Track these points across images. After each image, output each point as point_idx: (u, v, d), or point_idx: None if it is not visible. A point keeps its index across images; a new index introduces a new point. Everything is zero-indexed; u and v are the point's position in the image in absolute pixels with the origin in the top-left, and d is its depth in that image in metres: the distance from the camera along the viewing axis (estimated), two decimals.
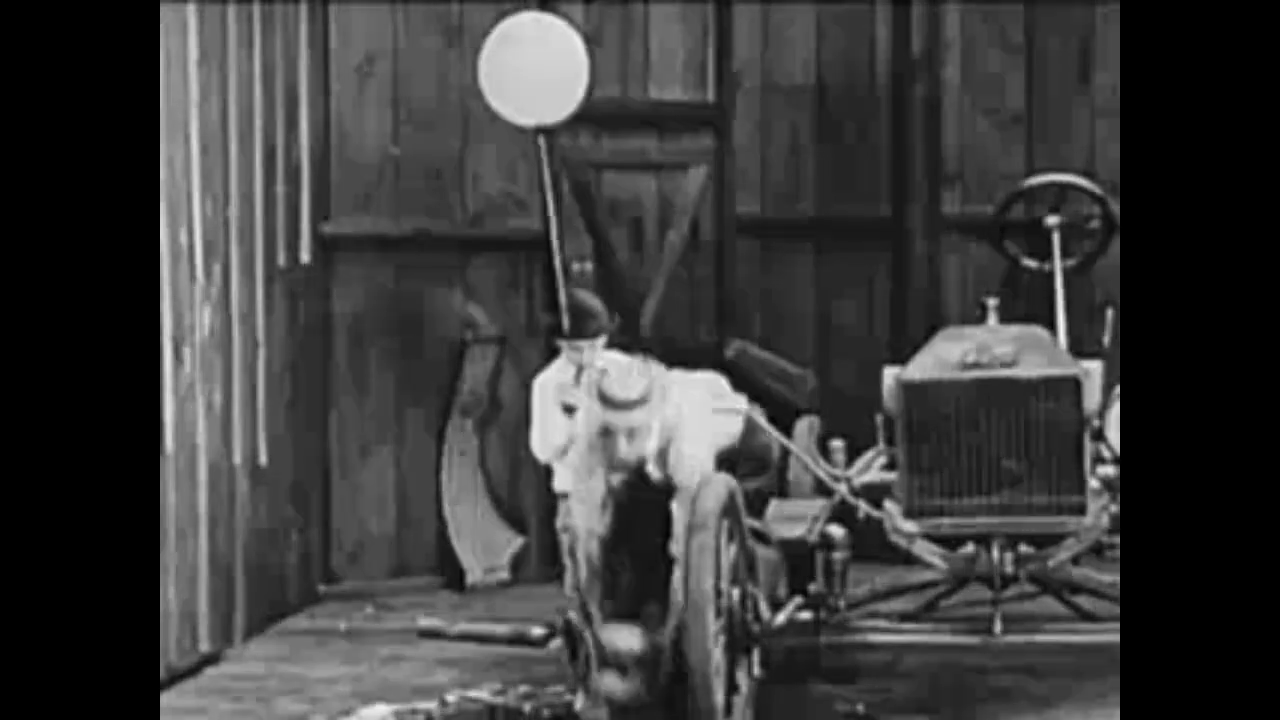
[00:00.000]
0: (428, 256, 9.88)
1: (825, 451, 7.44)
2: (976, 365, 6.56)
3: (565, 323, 7.25)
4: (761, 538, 6.80)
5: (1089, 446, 6.59)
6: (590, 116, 10.23)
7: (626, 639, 6.53)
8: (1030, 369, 6.54)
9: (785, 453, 7.37)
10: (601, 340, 7.32)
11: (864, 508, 6.78)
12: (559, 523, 7.38)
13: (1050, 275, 8.11)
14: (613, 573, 6.53)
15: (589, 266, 10.25)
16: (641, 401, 6.42)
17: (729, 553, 6.30)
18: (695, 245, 10.56)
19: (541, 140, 7.13)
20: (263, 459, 8.66)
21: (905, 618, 7.39)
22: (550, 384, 7.31)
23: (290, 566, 9.20)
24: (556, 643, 8.28)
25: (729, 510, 6.31)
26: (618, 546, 6.49)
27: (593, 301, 7.52)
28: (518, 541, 10.02)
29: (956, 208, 10.60)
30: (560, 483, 7.36)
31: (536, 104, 7.10)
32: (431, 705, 7.20)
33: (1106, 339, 7.65)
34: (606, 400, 6.42)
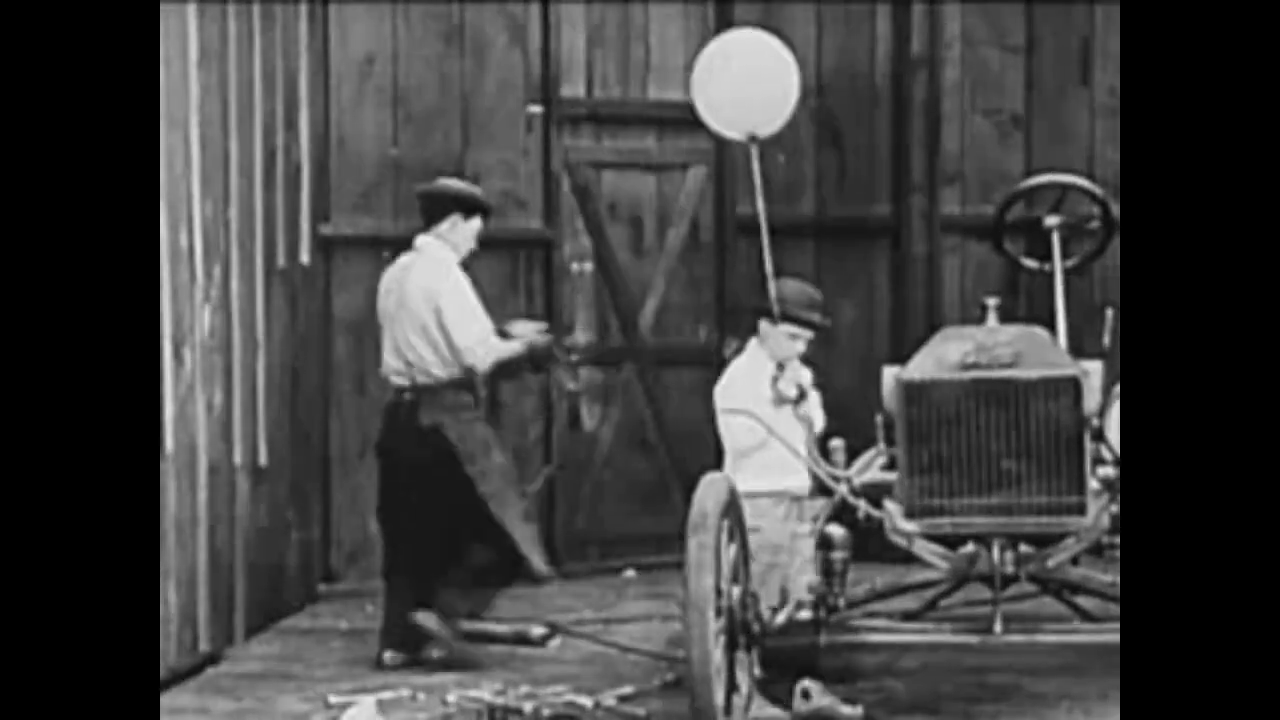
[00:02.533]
0: None
1: (825, 451, 7.44)
2: (976, 365, 6.55)
3: (794, 310, 7.22)
4: None
5: (1089, 446, 6.58)
6: (590, 116, 10.29)
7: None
8: (1030, 369, 6.53)
9: None
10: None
11: (864, 508, 6.77)
12: (756, 521, 7.30)
13: (1050, 275, 8.11)
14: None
15: (588, 266, 10.26)
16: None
17: (729, 553, 6.31)
18: (695, 245, 10.57)
19: (754, 150, 7.18)
20: (263, 459, 8.67)
21: (905, 617, 7.39)
22: (747, 377, 7.27)
23: (290, 566, 9.21)
24: (556, 642, 8.31)
25: (729, 510, 6.32)
26: None
27: (809, 292, 7.50)
28: None
29: (956, 208, 10.61)
30: (745, 483, 7.30)
31: (749, 117, 7.19)
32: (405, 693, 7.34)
33: (1106, 339, 7.64)
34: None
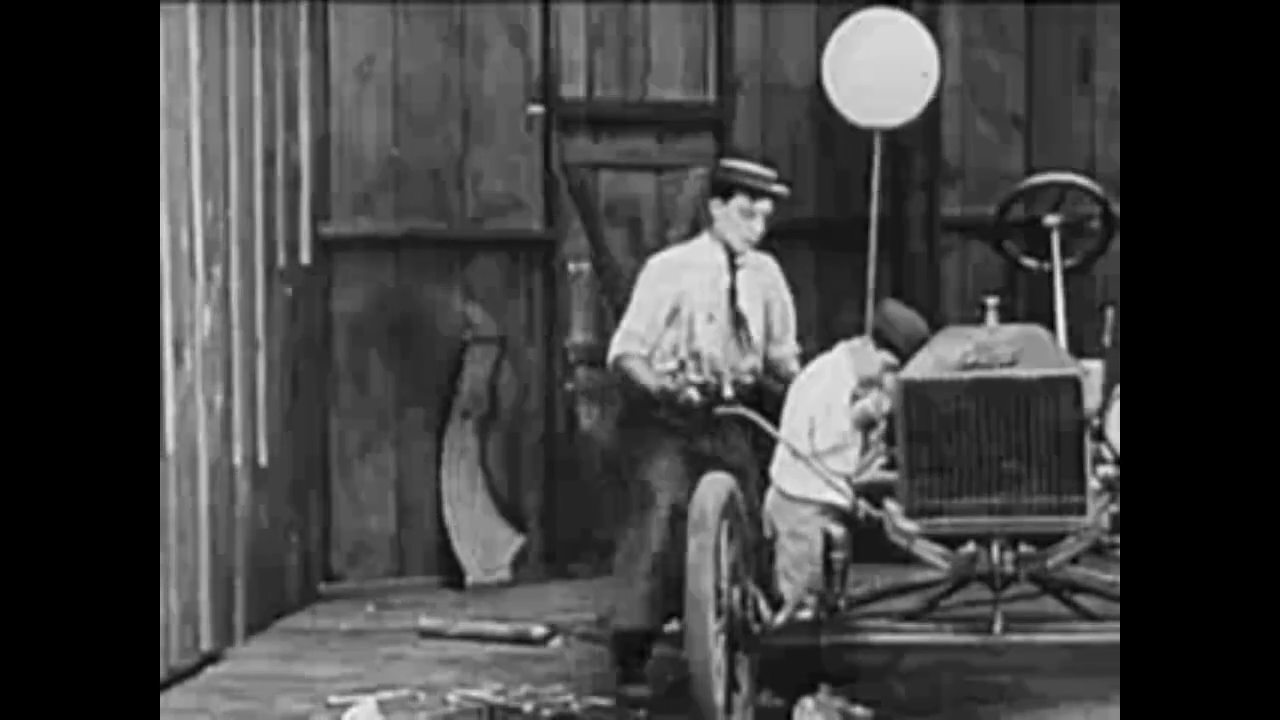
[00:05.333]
0: (428, 256, 9.89)
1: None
2: (976, 365, 6.55)
3: (899, 342, 7.12)
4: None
5: (1089, 446, 6.58)
6: (590, 117, 10.29)
7: None
8: (1030, 369, 6.53)
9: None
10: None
11: (864, 508, 6.77)
12: (802, 529, 7.29)
13: (1050, 275, 8.11)
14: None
15: (585, 267, 10.26)
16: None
17: (729, 553, 6.31)
18: None
19: (877, 141, 7.11)
20: (263, 459, 8.67)
21: (905, 617, 7.38)
22: (828, 383, 7.23)
23: (290, 566, 9.21)
24: (556, 642, 8.31)
25: (729, 510, 6.31)
26: None
27: (918, 325, 7.30)
28: (518, 541, 10.02)
29: (956, 208, 10.59)
30: (791, 486, 7.27)
31: (882, 106, 7.11)
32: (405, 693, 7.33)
33: (1106, 339, 7.64)
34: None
